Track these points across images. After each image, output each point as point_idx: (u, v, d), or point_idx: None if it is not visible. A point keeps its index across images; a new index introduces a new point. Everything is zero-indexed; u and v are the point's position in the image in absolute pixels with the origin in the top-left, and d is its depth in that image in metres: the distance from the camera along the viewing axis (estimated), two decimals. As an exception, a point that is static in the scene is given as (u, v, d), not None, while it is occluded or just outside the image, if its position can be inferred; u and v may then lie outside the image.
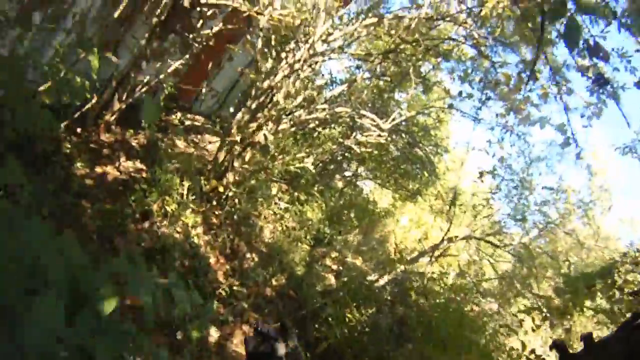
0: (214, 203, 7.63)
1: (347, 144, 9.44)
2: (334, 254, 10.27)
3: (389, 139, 9.75)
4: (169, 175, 6.78)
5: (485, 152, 9.75)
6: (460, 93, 8.34)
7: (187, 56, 9.04)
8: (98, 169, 6.82)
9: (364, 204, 13.30)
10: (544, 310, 7.47)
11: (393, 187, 12.88)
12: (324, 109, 8.56)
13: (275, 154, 9.21)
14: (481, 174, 9.62)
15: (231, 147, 7.73)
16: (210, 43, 8.19)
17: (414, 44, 8.55)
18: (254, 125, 7.85)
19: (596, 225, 11.54)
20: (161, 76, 8.34)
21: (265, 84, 7.62)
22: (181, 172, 7.14)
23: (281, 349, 1.69)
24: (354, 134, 9.51)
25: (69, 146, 6.67)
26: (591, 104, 7.38)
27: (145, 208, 6.31)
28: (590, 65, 6.46)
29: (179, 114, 10.17)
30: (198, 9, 7.75)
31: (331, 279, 9.35)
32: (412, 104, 12.54)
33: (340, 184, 13.45)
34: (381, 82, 11.34)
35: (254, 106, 7.78)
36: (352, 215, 12.28)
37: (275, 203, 9.45)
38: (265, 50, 8.32)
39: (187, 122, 10.18)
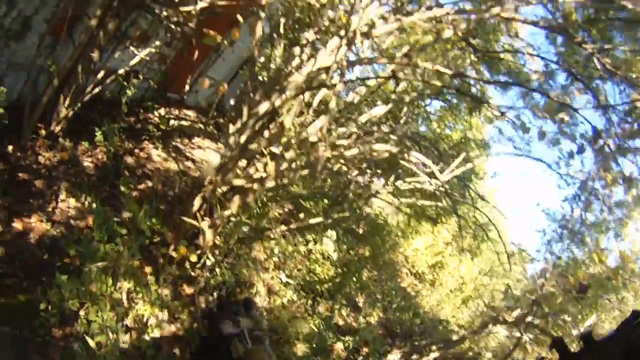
0: (187, 271, 5.14)
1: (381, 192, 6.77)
2: (345, 311, 7.86)
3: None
4: (111, 246, 4.20)
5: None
6: (542, 135, 5.65)
7: (171, 39, 6.52)
8: (17, 223, 4.36)
9: (381, 228, 10.81)
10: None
11: (411, 208, 10.30)
12: (357, 138, 6.01)
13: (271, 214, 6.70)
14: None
15: (210, 194, 5.12)
16: (192, 25, 5.60)
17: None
18: (242, 163, 5.34)
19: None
20: (131, 63, 5.78)
21: (265, 107, 4.98)
22: (135, 223, 4.60)
23: (244, 324, 1.55)
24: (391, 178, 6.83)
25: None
26: None
27: (74, 299, 3.81)
28: None
29: (162, 111, 7.62)
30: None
31: (340, 352, 6.95)
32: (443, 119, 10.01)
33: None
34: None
35: (244, 138, 5.17)
36: (365, 238, 9.89)
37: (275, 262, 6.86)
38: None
39: (174, 122, 7.61)
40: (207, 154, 7.84)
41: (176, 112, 8.05)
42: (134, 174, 5.99)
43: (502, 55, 7.51)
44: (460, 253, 12.43)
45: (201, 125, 8.34)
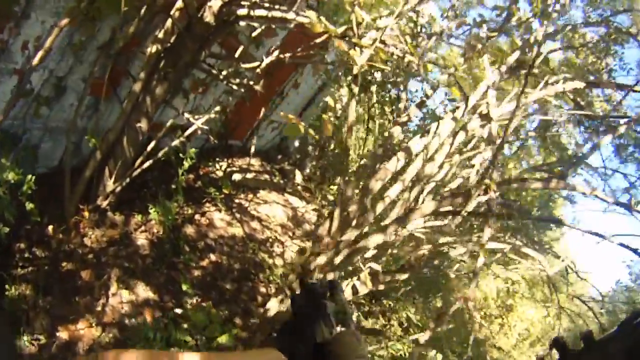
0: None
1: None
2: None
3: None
4: None
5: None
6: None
7: (231, 89, 5.73)
8: (62, 332, 3.60)
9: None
10: None
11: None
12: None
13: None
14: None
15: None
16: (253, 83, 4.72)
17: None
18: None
19: None
20: (195, 121, 4.97)
21: (352, 235, 3.81)
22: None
23: (329, 307, 1.22)
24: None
25: (19, 276, 3.60)
26: None
27: None
28: None
29: (223, 164, 6.83)
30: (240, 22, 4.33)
31: None
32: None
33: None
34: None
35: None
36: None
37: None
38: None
39: (236, 176, 6.80)
40: (273, 209, 6.99)
41: (239, 162, 7.26)
42: (195, 248, 5.17)
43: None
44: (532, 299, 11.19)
45: (266, 176, 7.52)
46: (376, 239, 3.59)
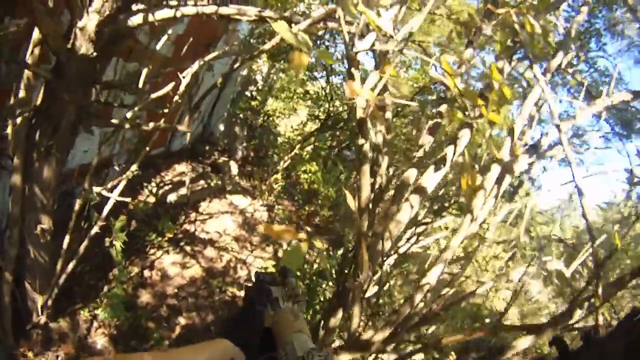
0: None
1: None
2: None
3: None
4: None
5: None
6: (632, 181, 3.65)
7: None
8: None
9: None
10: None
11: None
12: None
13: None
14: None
15: None
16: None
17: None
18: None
19: None
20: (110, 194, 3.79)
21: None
22: None
23: (275, 292, 1.34)
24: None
25: None
26: None
27: None
28: None
29: (152, 187, 5.65)
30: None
31: None
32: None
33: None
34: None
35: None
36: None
37: None
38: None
39: (171, 196, 5.69)
40: (221, 222, 6.01)
41: (167, 174, 6.09)
42: (159, 318, 4.25)
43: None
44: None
45: (202, 181, 6.40)
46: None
